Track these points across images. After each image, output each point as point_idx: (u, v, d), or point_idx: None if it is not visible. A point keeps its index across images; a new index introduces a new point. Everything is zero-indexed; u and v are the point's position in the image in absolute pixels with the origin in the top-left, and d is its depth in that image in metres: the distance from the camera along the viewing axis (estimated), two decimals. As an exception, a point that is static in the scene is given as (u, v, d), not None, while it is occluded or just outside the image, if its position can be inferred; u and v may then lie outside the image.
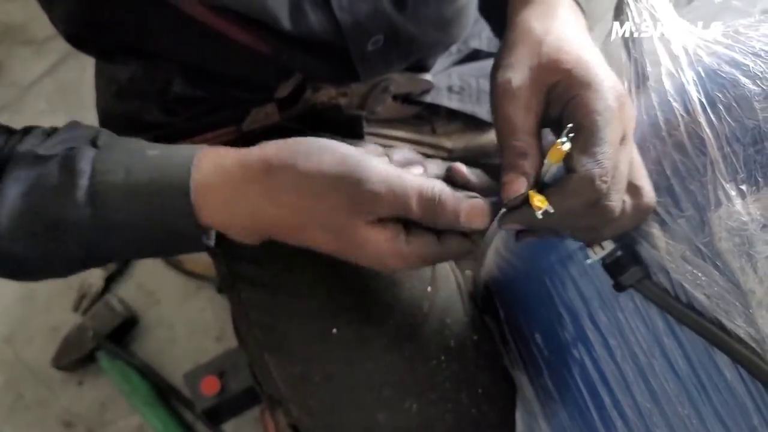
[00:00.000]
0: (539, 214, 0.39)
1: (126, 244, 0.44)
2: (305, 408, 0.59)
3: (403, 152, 0.47)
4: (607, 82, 0.41)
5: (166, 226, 0.42)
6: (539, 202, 0.39)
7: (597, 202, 0.40)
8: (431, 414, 0.57)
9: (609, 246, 0.44)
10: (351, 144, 0.66)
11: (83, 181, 0.42)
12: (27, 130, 0.46)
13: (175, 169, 0.42)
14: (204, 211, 0.42)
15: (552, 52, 0.43)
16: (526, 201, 0.41)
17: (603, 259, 0.44)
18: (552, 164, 0.41)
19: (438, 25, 0.62)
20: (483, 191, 0.44)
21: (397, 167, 0.43)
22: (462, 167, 0.45)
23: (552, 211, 0.39)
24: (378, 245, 0.42)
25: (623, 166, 0.41)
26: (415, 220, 0.42)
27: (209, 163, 0.43)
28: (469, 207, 0.41)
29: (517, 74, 0.43)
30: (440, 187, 0.41)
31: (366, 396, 0.57)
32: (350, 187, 0.41)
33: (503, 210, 0.43)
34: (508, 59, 0.44)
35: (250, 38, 0.54)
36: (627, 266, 0.43)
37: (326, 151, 0.43)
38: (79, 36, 0.57)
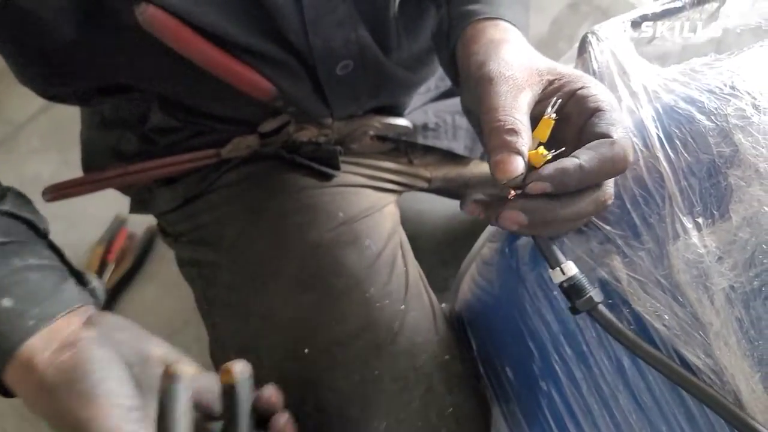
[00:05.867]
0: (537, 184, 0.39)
1: None
2: None
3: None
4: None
5: None
6: (538, 158, 0.39)
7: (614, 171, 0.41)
8: None
9: (571, 270, 0.43)
10: (327, 174, 0.68)
11: None
12: None
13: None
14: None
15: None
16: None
17: (562, 282, 0.43)
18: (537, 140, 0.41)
19: (407, 65, 0.64)
20: None
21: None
22: None
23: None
24: None
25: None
26: None
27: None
28: None
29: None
30: None
31: (333, 416, 0.57)
32: None
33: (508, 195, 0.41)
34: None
35: (253, 88, 0.56)
36: (583, 292, 0.42)
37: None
38: (53, 93, 0.58)
